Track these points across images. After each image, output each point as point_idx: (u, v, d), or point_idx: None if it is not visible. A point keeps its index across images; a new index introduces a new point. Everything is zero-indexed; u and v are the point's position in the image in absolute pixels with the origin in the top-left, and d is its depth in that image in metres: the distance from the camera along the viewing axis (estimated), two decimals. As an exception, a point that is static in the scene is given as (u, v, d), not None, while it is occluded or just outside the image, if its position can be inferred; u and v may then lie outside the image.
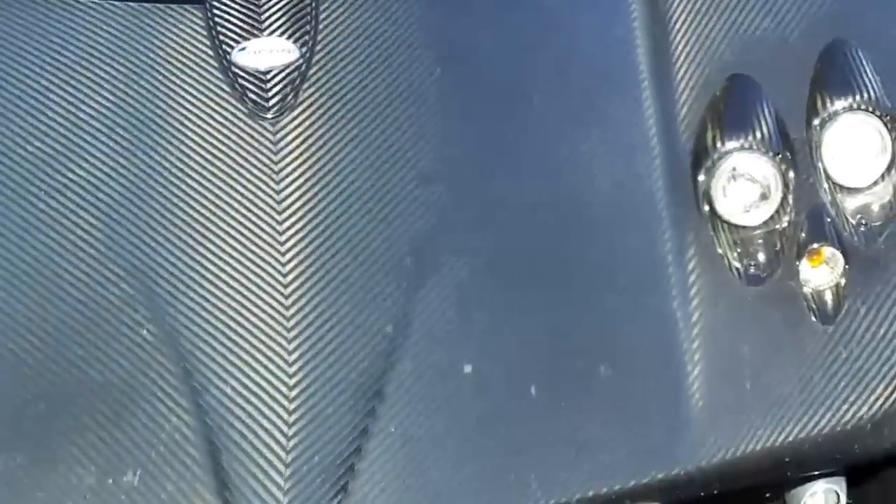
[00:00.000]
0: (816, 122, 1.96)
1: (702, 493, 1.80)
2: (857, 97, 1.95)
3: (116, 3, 2.14)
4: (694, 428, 1.77)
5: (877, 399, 1.79)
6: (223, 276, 1.83)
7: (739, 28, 2.05)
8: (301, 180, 1.93)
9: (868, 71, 1.98)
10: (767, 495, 2.00)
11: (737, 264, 1.88)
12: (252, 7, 2.10)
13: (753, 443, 1.79)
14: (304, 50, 2.04)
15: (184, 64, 2.06)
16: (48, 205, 1.91)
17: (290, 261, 1.84)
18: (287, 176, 1.94)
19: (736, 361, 1.82)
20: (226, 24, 2.08)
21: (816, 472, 1.93)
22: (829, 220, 1.90)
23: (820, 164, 1.95)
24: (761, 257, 1.89)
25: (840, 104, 1.95)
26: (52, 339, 1.81)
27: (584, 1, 2.13)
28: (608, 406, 1.76)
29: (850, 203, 1.94)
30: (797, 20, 2.05)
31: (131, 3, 2.13)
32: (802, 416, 1.79)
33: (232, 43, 2.04)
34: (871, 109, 1.94)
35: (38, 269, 1.86)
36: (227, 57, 2.04)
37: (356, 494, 1.69)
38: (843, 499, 1.98)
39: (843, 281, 1.87)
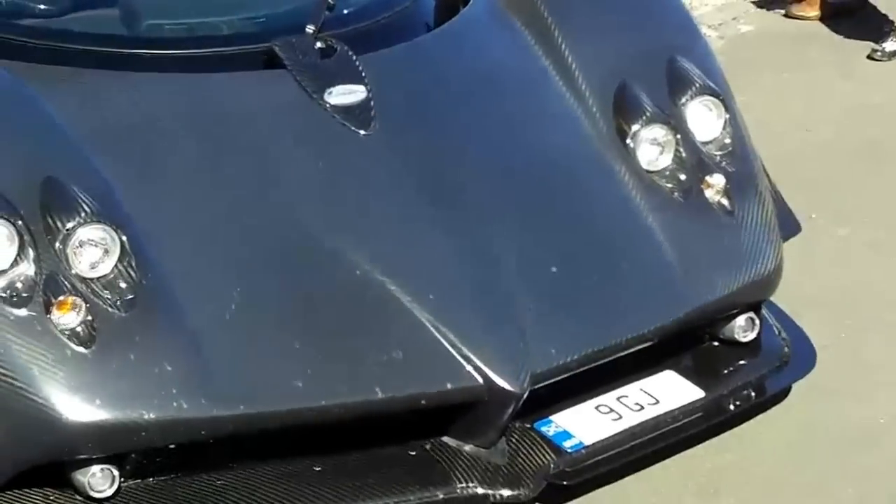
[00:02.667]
0: (681, 102, 3.22)
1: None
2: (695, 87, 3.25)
3: (222, 74, 3.12)
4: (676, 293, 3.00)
5: None
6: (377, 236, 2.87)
7: (609, 54, 3.28)
8: (398, 167, 3.00)
9: (690, 72, 3.27)
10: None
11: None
12: (320, 66, 3.12)
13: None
14: (367, 89, 3.07)
15: (289, 108, 3.05)
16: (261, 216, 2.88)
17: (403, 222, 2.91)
18: (387, 165, 2.99)
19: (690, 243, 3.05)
20: (307, 79, 3.10)
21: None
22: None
23: (686, 127, 3.20)
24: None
25: (689, 93, 3.24)
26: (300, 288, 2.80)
27: (519, 74, 3.30)
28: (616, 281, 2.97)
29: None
30: (641, 49, 3.30)
31: (235, 73, 3.13)
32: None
33: (318, 90, 3.05)
34: (704, 93, 3.25)
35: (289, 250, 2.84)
36: (322, 99, 3.06)
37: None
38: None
39: None
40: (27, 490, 2.70)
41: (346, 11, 3.36)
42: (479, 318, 2.80)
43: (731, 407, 3.05)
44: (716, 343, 3.17)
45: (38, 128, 2.88)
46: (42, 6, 3.37)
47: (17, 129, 2.86)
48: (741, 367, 3.13)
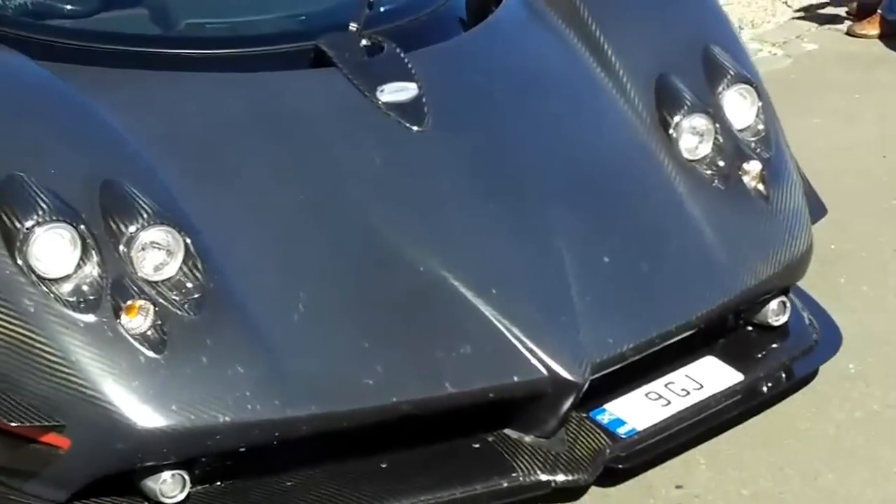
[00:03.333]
0: (717, 91, 3.29)
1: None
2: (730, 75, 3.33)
3: (276, 73, 3.10)
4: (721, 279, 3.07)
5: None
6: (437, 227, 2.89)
7: (648, 46, 3.36)
8: (454, 163, 3.02)
9: (724, 60, 3.34)
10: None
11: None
12: (370, 63, 3.14)
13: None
14: (419, 85, 3.09)
15: (342, 106, 3.05)
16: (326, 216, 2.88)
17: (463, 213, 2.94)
18: (443, 160, 3.01)
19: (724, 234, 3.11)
20: (358, 77, 3.10)
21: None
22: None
23: (724, 116, 3.28)
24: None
25: (725, 82, 3.32)
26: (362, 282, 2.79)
27: (562, 69, 3.35)
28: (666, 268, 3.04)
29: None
30: (677, 40, 3.38)
31: (287, 72, 3.11)
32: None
33: (370, 88, 3.06)
34: (739, 81, 3.33)
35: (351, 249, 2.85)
36: (375, 97, 3.06)
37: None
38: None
39: None
40: (95, 500, 2.65)
41: (384, 9, 3.35)
42: (541, 310, 2.83)
43: (765, 389, 3.13)
44: (749, 328, 3.24)
45: (92, 131, 2.83)
46: (85, 8, 3.32)
47: (73, 133, 2.81)
48: (774, 350, 3.20)
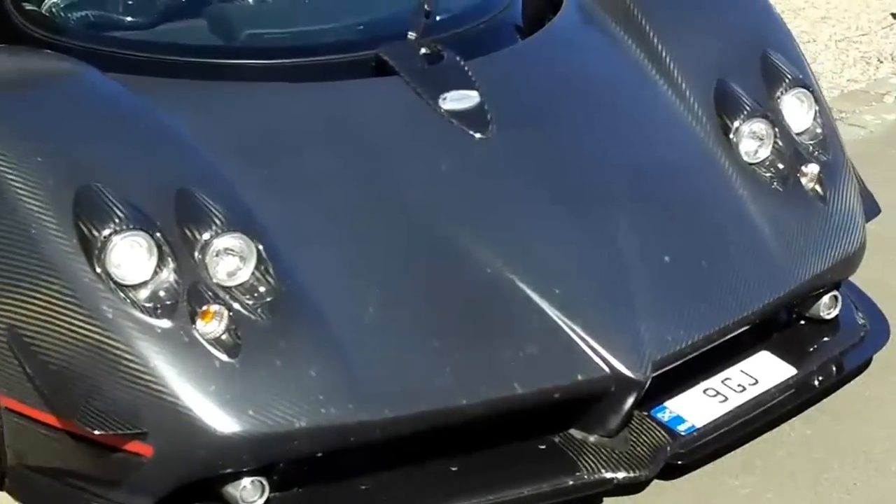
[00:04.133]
0: (776, 95, 3.36)
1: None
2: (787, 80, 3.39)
3: (341, 82, 3.18)
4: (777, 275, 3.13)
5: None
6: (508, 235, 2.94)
7: (706, 52, 3.42)
8: (518, 168, 3.08)
9: (781, 65, 3.40)
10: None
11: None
12: (431, 72, 3.19)
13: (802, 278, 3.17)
14: (481, 93, 3.14)
15: (406, 113, 3.12)
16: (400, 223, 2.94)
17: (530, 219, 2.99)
18: (508, 166, 3.07)
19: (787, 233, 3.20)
20: (420, 85, 3.16)
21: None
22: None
23: (783, 120, 3.34)
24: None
25: (783, 86, 3.39)
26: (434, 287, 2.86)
27: (621, 74, 3.41)
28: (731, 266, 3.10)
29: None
30: (734, 45, 3.43)
31: (353, 81, 3.18)
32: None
33: (432, 96, 3.13)
34: (796, 86, 3.40)
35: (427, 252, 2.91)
36: (438, 105, 3.13)
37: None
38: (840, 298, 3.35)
39: None
40: (174, 507, 2.73)
41: (441, 17, 3.40)
42: (603, 309, 2.88)
43: (816, 383, 3.20)
44: (801, 321, 3.31)
45: (164, 141, 2.89)
46: (148, 19, 3.39)
47: (146, 144, 2.86)
48: (825, 343, 3.28)
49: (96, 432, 2.61)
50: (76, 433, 2.67)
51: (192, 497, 2.71)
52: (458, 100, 3.11)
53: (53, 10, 3.42)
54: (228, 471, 2.66)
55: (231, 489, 2.69)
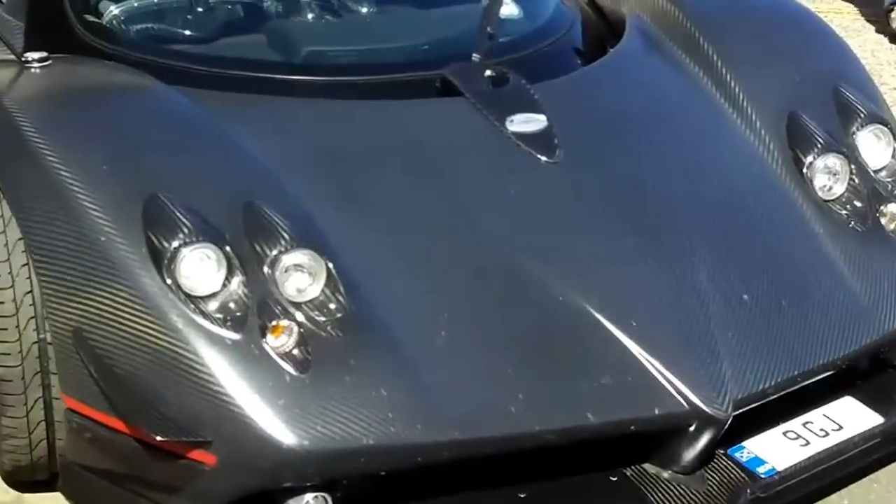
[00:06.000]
0: (851, 130, 3.28)
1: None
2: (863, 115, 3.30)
3: (409, 101, 3.16)
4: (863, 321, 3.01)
5: None
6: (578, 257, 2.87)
7: (777, 84, 3.33)
8: (589, 194, 3.01)
9: (856, 100, 3.32)
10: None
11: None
12: (497, 94, 3.15)
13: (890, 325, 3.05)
14: (548, 117, 3.09)
15: (474, 135, 3.07)
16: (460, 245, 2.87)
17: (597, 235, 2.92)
18: (578, 192, 3.01)
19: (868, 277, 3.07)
20: (487, 107, 3.12)
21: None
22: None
23: (859, 156, 3.25)
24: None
25: (858, 122, 3.30)
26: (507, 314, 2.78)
27: (689, 102, 3.35)
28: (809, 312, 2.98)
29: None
30: (807, 78, 3.34)
31: (419, 101, 3.17)
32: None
33: (499, 119, 3.08)
34: (873, 122, 3.31)
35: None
36: (505, 128, 3.08)
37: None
38: None
39: None
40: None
41: (503, 40, 3.37)
42: (682, 344, 2.79)
43: (903, 434, 3.08)
44: (887, 369, 3.18)
45: (231, 155, 2.86)
46: (210, 34, 3.38)
47: (213, 158, 2.84)
48: (913, 393, 3.17)
49: (158, 438, 2.56)
50: (138, 437, 2.63)
51: (255, 510, 2.66)
52: (526, 123, 3.06)
53: (115, 21, 3.42)
54: (291, 484, 2.59)
55: (293, 503, 2.62)
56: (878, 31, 6.48)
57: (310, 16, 3.52)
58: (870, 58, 6.05)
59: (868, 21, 6.60)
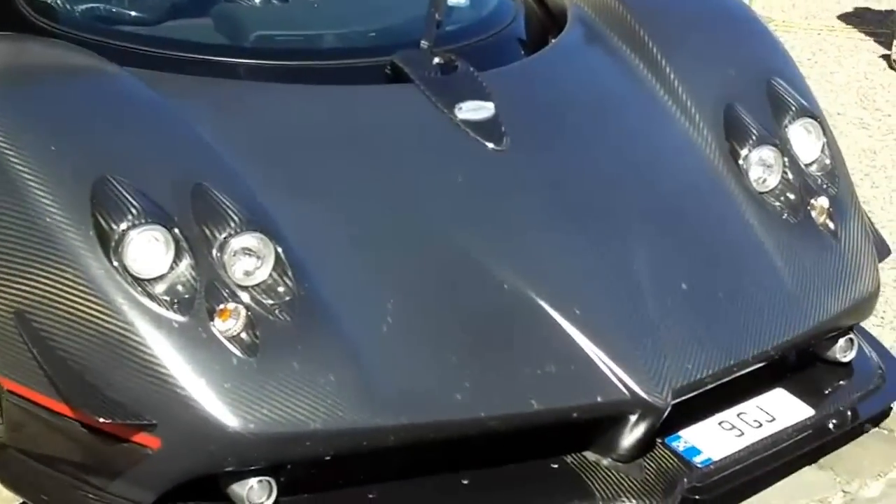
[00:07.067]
0: (783, 123, 3.32)
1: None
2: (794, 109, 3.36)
3: (356, 86, 3.15)
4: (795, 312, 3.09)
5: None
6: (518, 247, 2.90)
7: (713, 75, 3.38)
8: (534, 182, 3.05)
9: (787, 94, 3.37)
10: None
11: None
12: (446, 81, 3.15)
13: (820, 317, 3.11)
14: (495, 105, 3.11)
15: (422, 122, 3.08)
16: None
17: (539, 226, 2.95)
18: (524, 180, 3.03)
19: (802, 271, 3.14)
20: (436, 94, 3.12)
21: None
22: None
23: (791, 149, 3.30)
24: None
25: (790, 115, 3.35)
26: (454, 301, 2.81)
27: (631, 92, 3.38)
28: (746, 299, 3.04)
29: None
30: (741, 70, 3.39)
31: (368, 86, 3.16)
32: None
33: (447, 106, 3.09)
34: (804, 115, 3.37)
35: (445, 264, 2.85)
36: (453, 115, 3.09)
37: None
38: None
39: None
40: None
41: (449, 28, 3.38)
42: (624, 333, 2.83)
43: (832, 426, 3.13)
44: (816, 363, 3.25)
45: (181, 137, 2.84)
46: (158, 15, 3.35)
47: (163, 139, 2.82)
48: (841, 387, 3.22)
49: (101, 420, 2.54)
50: (81, 420, 2.60)
51: (199, 495, 2.62)
52: (474, 110, 3.08)
53: (61, 0, 3.35)
54: (236, 468, 2.58)
55: (237, 488, 2.60)
56: (872, 52, 6.29)
57: (257, 0, 3.51)
58: (863, 80, 5.91)
59: (861, 41, 6.44)
